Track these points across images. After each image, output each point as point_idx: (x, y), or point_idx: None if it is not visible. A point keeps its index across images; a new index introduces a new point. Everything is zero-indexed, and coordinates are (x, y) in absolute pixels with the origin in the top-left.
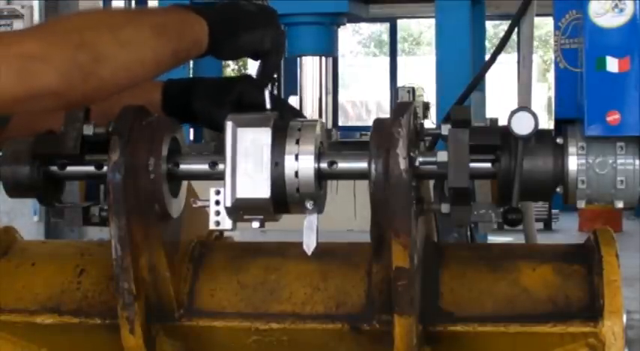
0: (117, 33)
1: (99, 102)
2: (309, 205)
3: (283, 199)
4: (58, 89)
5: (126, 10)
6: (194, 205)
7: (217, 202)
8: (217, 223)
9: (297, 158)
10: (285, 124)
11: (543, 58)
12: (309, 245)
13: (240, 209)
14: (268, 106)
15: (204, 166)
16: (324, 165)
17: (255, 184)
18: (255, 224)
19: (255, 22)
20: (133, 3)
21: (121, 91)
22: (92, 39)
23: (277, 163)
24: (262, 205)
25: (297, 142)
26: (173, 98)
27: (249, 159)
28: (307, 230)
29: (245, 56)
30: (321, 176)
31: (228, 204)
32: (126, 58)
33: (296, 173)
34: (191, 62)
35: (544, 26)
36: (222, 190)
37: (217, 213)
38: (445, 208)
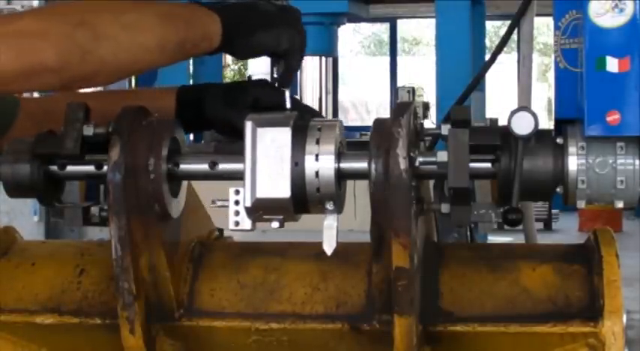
0: (119, 15)
1: (101, 84)
2: (329, 205)
3: (303, 198)
4: (55, 66)
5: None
6: (212, 206)
7: (237, 202)
8: (237, 224)
9: (317, 158)
10: (304, 124)
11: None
12: (330, 245)
13: (260, 209)
14: (288, 105)
15: (204, 166)
16: (344, 165)
17: (275, 183)
18: (275, 224)
19: (271, 21)
20: None
21: (124, 76)
22: (92, 19)
23: (297, 163)
24: (282, 204)
25: (318, 142)
26: (187, 104)
27: (269, 159)
28: (327, 230)
29: (261, 55)
30: (341, 176)
31: (248, 204)
32: (127, 40)
33: (316, 173)
34: (191, 63)
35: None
36: (241, 190)
37: (237, 213)
38: (445, 208)
